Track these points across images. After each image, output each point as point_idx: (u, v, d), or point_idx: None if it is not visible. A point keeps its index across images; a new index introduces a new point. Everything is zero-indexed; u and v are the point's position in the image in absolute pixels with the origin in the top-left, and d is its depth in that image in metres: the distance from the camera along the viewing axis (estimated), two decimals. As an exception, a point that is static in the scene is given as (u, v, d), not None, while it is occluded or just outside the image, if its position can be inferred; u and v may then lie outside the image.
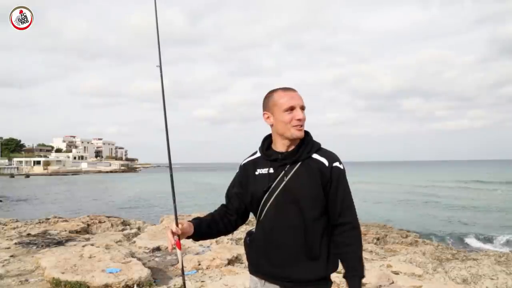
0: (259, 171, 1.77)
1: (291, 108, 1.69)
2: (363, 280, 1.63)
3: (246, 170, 1.83)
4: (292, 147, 1.74)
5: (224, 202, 1.93)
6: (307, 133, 1.80)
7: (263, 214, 1.75)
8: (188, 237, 1.75)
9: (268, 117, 1.76)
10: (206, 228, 1.80)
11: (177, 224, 1.67)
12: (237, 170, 1.90)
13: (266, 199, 1.72)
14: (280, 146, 1.76)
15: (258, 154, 1.84)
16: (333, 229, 1.72)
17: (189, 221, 1.76)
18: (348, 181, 1.76)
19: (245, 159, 1.88)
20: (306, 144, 1.74)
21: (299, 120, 1.68)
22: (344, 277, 1.67)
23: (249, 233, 1.88)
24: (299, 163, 1.71)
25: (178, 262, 5.48)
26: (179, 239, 1.67)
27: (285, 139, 1.73)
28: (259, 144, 1.87)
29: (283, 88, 1.75)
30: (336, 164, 1.71)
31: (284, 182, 1.69)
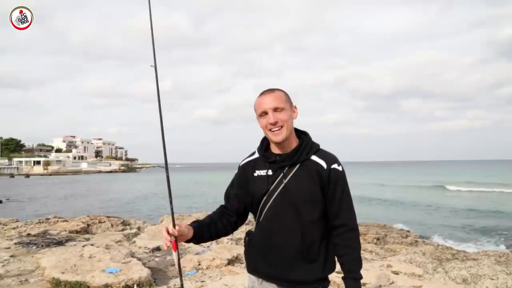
0: (257, 173, 1.76)
1: (264, 113, 1.68)
2: (363, 281, 1.64)
3: (245, 171, 1.82)
4: (290, 149, 1.72)
5: (223, 203, 1.92)
6: (305, 134, 1.79)
7: (262, 216, 1.75)
8: (187, 241, 1.72)
9: (258, 122, 1.77)
10: (206, 230, 1.78)
11: (174, 226, 1.64)
12: (236, 171, 1.89)
13: (265, 201, 1.72)
14: (275, 148, 1.75)
15: (257, 155, 1.82)
16: (331, 231, 1.72)
17: (188, 224, 1.74)
18: (348, 181, 1.75)
19: (243, 160, 1.87)
20: (304, 145, 1.72)
21: (271, 124, 1.66)
22: (342, 278, 1.68)
23: (248, 233, 1.88)
24: (298, 165, 1.70)
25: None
26: (175, 241, 1.64)
27: (273, 142, 1.73)
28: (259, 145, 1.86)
29: (261, 92, 1.74)
30: (335, 166, 1.70)
31: (283, 184, 1.69)
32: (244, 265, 5.48)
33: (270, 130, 1.68)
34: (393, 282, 4.38)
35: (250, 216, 1.93)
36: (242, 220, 1.89)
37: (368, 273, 4.51)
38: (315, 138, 1.81)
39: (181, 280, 1.81)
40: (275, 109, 1.66)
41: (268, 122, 1.67)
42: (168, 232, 1.62)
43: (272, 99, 1.68)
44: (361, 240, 8.75)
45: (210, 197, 28.86)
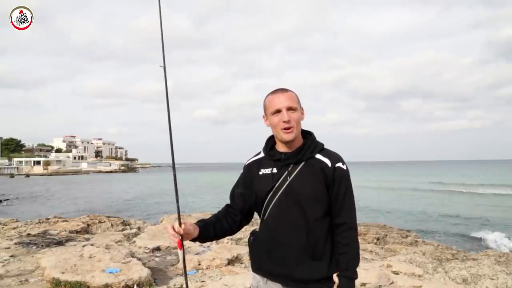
0: (262, 171, 1.78)
1: (278, 111, 1.69)
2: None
3: (250, 170, 1.83)
4: (295, 148, 1.73)
5: (228, 202, 1.93)
6: (310, 134, 1.80)
7: (266, 214, 1.75)
8: (193, 240, 1.74)
9: (266, 120, 1.78)
10: (211, 229, 1.79)
11: (180, 224, 1.66)
12: (241, 170, 1.90)
13: (270, 199, 1.73)
14: (281, 147, 1.76)
15: (262, 154, 1.84)
16: (332, 229, 1.73)
17: (194, 223, 1.75)
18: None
19: (249, 159, 1.88)
20: (309, 144, 1.74)
21: (284, 122, 1.68)
22: (337, 276, 1.69)
23: (253, 233, 1.89)
24: (302, 163, 1.71)
25: (178, 262, 5.48)
26: (181, 239, 1.65)
27: (281, 141, 1.74)
28: (261, 144, 1.87)
29: (273, 90, 1.76)
30: (339, 164, 1.71)
31: (287, 182, 1.70)
32: (244, 265, 5.48)
33: (281, 128, 1.69)
34: (393, 282, 4.38)
35: (254, 217, 1.94)
36: (247, 219, 1.91)
37: (368, 273, 4.50)
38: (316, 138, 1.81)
39: (186, 278, 1.81)
40: (289, 109, 1.69)
41: (282, 120, 1.68)
42: (173, 230, 1.64)
43: (286, 98, 1.70)
44: (361, 240, 8.75)
45: (210, 197, 28.88)
